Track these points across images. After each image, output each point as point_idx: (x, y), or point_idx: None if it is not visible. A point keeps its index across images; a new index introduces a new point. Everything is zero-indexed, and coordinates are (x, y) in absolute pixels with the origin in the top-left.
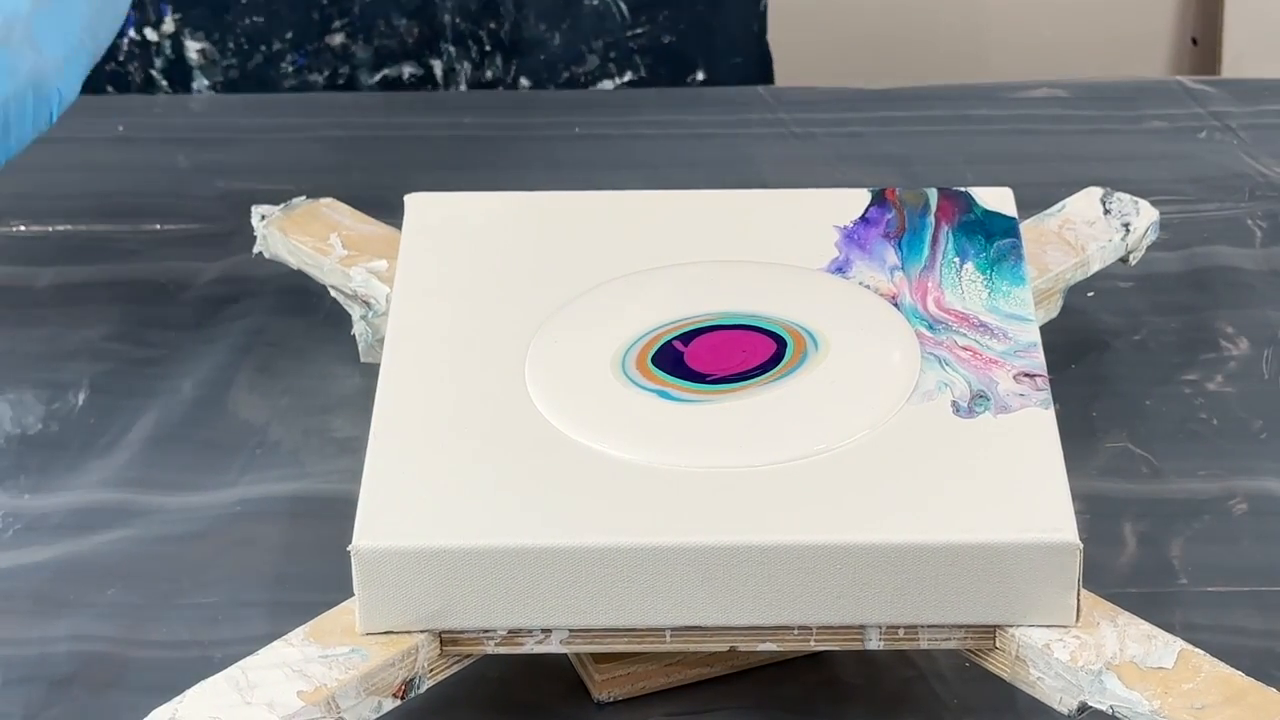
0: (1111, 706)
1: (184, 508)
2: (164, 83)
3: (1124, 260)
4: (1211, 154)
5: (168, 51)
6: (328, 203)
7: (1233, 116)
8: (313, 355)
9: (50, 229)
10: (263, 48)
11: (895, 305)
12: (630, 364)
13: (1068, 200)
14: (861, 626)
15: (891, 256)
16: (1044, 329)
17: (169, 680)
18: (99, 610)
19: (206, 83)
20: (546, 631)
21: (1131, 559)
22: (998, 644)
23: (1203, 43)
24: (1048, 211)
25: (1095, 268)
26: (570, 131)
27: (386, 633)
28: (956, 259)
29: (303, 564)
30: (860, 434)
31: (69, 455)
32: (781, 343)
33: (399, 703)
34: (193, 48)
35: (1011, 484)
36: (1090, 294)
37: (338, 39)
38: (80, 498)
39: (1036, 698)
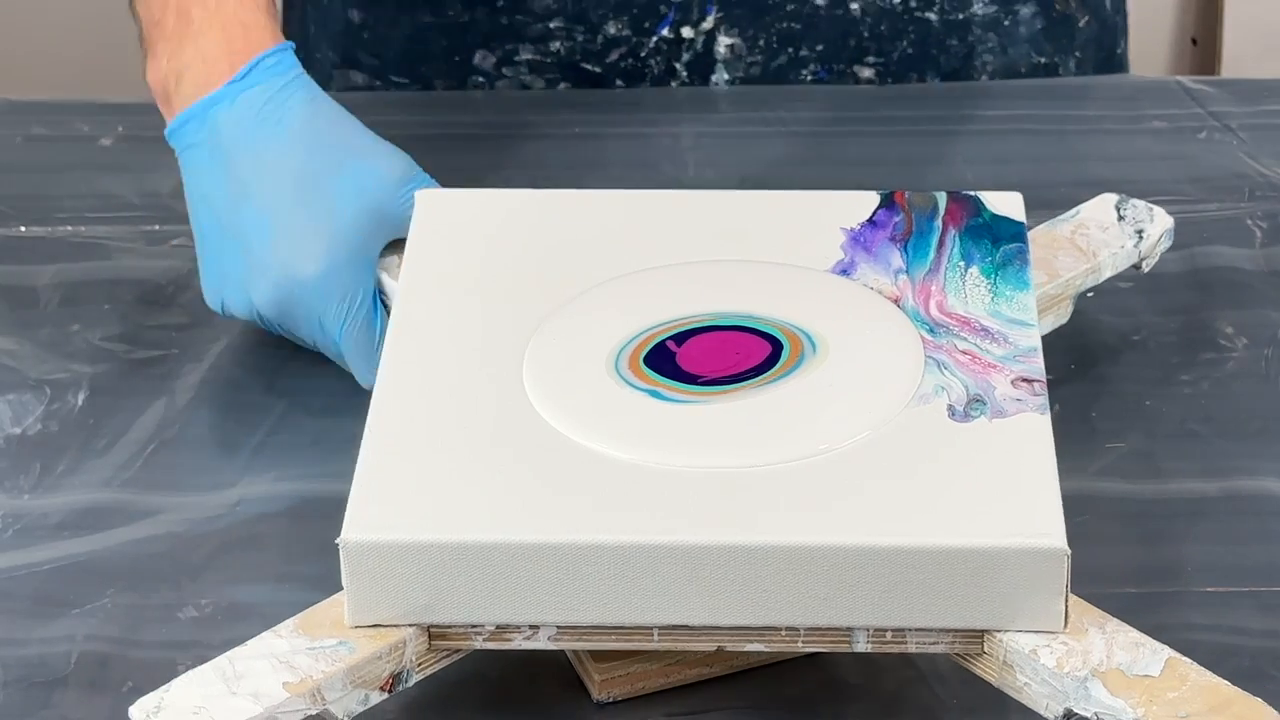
0: (1096, 714)
1: (184, 508)
2: (684, 74)
3: (1136, 267)
4: (1211, 154)
5: (698, 47)
6: None
7: (1233, 116)
8: (312, 355)
9: (50, 229)
10: (790, 50)
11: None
12: (623, 364)
13: (1082, 206)
14: (849, 629)
15: (896, 259)
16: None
17: (169, 680)
18: (99, 610)
19: (727, 76)
20: (534, 627)
21: (1131, 559)
22: (985, 649)
23: (1203, 43)
24: (1061, 217)
25: (1107, 274)
26: (570, 131)
27: (374, 626)
28: (961, 263)
29: (302, 564)
30: (853, 437)
31: (69, 455)
32: (777, 345)
33: (386, 695)
34: (723, 43)
35: (1002, 489)
36: (1090, 294)
37: (866, 72)
38: (80, 498)
39: (1023, 704)
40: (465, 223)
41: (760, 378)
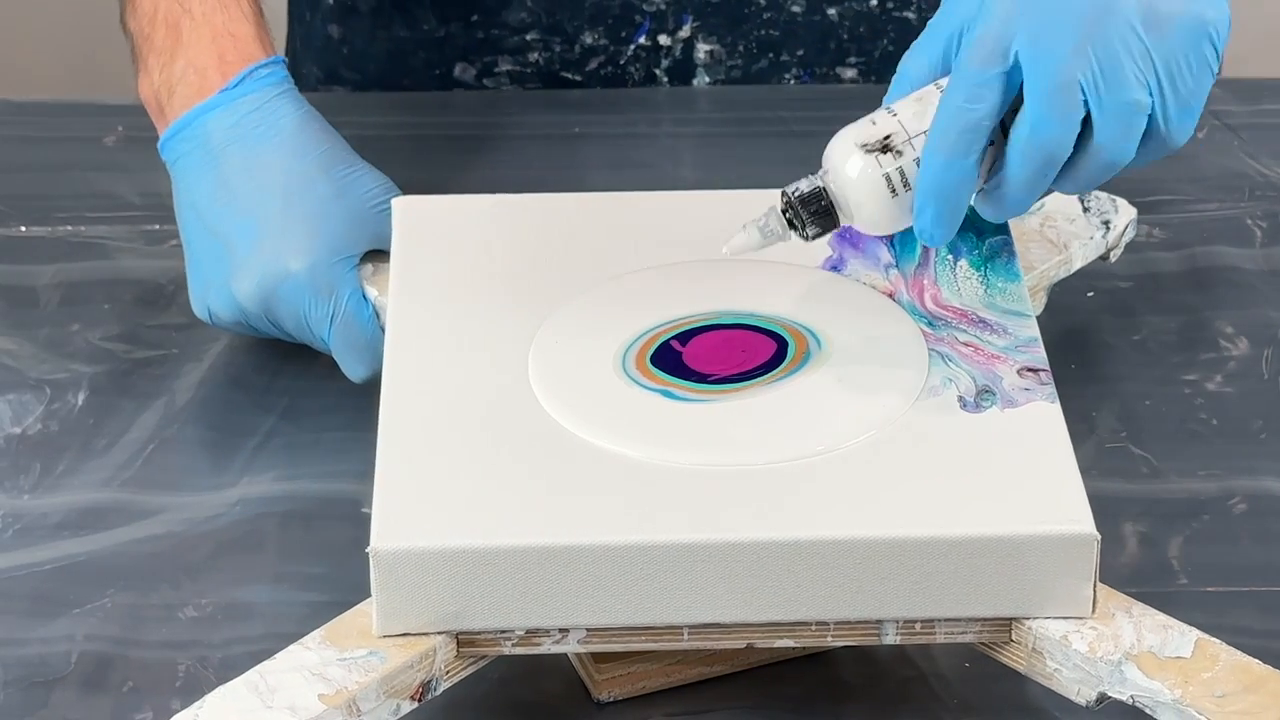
0: (1132, 697)
1: (184, 508)
2: (665, 80)
3: (1104, 258)
4: (1211, 154)
5: (676, 54)
6: None
7: (1233, 116)
8: (312, 355)
9: (50, 229)
10: (770, 55)
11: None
12: (630, 364)
13: (1046, 198)
14: (879, 621)
15: (885, 255)
16: (1043, 328)
17: (169, 680)
18: (99, 610)
19: (709, 79)
20: (564, 631)
21: (1131, 559)
22: (1013, 637)
23: None
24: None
25: (1078, 265)
26: (570, 131)
27: (403, 635)
28: (950, 256)
29: (302, 564)
30: (872, 430)
31: (69, 455)
32: (782, 342)
33: (416, 705)
34: (702, 49)
35: (1026, 477)
36: (1090, 294)
37: (849, 73)
38: (80, 498)
39: (1053, 690)
40: (446, 228)
41: (769, 375)
